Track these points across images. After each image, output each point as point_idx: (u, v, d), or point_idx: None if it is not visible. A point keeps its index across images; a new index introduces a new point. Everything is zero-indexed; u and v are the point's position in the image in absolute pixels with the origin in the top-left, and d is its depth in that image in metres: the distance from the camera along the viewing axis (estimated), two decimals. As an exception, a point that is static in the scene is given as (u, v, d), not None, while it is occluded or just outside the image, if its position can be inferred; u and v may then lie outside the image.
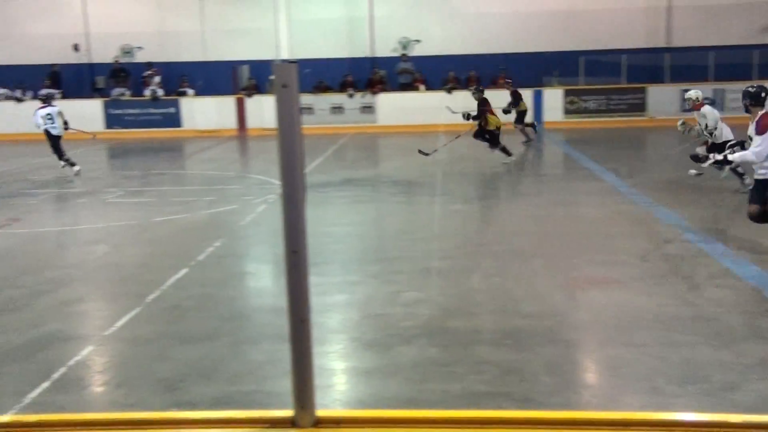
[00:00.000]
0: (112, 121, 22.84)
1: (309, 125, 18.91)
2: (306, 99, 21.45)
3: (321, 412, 1.94)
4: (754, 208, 7.45)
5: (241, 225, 9.74)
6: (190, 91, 23.34)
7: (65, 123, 14.42)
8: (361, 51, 23.78)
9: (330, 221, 9.65)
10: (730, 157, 7.85)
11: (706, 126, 10.88)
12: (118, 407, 4.44)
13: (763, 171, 7.32)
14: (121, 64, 23.91)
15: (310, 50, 22.24)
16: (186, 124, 22.77)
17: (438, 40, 23.16)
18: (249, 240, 9.29)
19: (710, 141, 10.88)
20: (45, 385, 4.73)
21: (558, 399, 4.36)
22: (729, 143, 9.91)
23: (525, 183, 13.25)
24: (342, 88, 22.98)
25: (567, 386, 4.60)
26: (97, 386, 4.91)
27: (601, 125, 21.51)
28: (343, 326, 5.80)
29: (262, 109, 21.88)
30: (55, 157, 14.28)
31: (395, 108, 21.79)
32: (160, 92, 23.24)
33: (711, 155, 8.58)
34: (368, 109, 22.68)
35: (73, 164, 14.20)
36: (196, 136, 21.79)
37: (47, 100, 15.15)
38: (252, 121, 22.42)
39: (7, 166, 15.59)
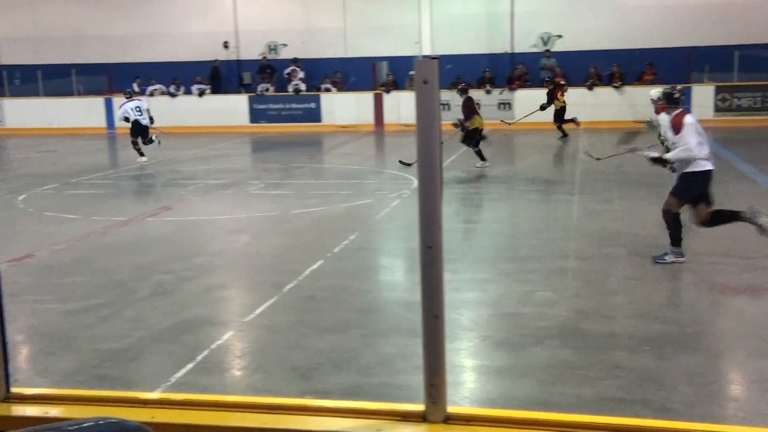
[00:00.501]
0: (256, 116, 23.76)
1: (445, 121, 18.91)
2: (443, 95, 21.46)
3: (452, 409, 1.93)
4: (705, 213, 7.05)
5: (375, 219, 9.88)
6: (333, 87, 23.90)
7: (151, 118, 16.28)
8: (501, 47, 23.51)
9: (463, 218, 9.62)
10: (665, 156, 7.26)
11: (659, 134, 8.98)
12: (255, 391, 4.62)
13: (703, 163, 6.99)
14: (267, 60, 24.82)
15: (450, 46, 22.22)
16: (325, 119, 23.35)
17: (579, 35, 22.54)
18: (383, 234, 9.42)
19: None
20: (189, 366, 4.99)
21: (699, 411, 4.15)
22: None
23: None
24: (479, 84, 22.81)
25: (709, 398, 4.37)
26: (237, 370, 5.13)
27: (756, 124, 20.24)
28: (474, 324, 5.77)
29: (400, 105, 22.09)
30: (140, 144, 16.12)
31: (534, 104, 21.38)
32: (303, 87, 23.96)
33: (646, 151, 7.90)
34: (505, 105, 22.41)
35: (142, 154, 15.93)
36: (334, 131, 22.30)
37: (131, 95, 17.05)
38: (389, 117, 22.69)
39: (162, 157, 16.53)
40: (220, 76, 24.77)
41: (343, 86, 23.97)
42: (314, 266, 7.38)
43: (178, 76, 24.48)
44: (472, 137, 14.04)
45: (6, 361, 2.05)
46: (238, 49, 25.46)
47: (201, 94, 24.18)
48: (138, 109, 16.18)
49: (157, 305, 6.39)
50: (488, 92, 22.53)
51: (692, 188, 7.10)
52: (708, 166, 7.07)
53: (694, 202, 7.12)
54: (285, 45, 24.73)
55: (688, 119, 7.08)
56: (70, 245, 8.73)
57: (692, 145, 6.94)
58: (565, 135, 18.47)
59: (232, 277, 7.59)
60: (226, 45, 25.29)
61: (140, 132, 16.15)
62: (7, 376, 2.04)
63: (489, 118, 22.17)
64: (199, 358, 5.14)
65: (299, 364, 4.99)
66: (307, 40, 24.53)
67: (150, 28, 25.18)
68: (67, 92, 24.99)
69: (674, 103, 7.32)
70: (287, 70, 24.30)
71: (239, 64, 25.37)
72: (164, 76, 24.65)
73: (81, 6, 25.67)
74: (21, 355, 5.41)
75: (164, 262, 7.84)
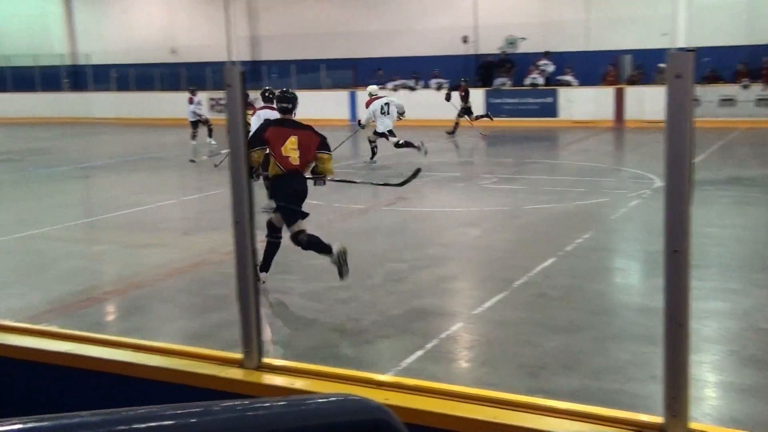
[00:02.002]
0: (491, 110, 23.80)
1: (695, 118, 17.69)
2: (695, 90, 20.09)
3: (695, 425, 1.81)
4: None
5: (612, 218, 9.51)
6: (574, 81, 23.30)
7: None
8: (764, 37, 21.52)
9: (711, 221, 8.96)
10: None
11: None
12: (481, 384, 4.64)
13: None
14: (506, 54, 24.75)
15: (703, 37, 20.74)
16: (562, 114, 22.82)
17: None
18: (620, 234, 9.04)
19: None
20: (419, 353, 5.13)
21: None
22: None
23: None
24: (735, 78, 21.08)
25: None
26: (464, 361, 5.19)
27: None
28: (720, 336, 5.36)
29: (643, 101, 21.02)
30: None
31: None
32: (541, 81, 23.60)
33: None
34: (766, 101, 20.51)
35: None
36: (571, 127, 21.74)
37: (195, 92, 18.51)
38: (630, 113, 21.69)
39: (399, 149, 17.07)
40: (493, 73, 24.80)
41: (583, 80, 23.27)
42: (545, 264, 7.26)
43: (418, 70, 25.17)
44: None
45: (259, 334, 2.23)
46: (476, 44, 25.63)
47: (439, 87, 24.66)
48: (199, 103, 18.01)
49: (390, 292, 6.63)
50: (745, 87, 20.76)
51: None
52: None
53: None
54: (524, 39, 24.49)
55: None
56: (312, 230, 9.30)
57: None
58: None
59: (462, 269, 7.68)
60: (465, 39, 25.57)
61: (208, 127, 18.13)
62: (259, 347, 2.22)
63: (746, 115, 20.48)
64: (429, 346, 5.26)
65: (526, 362, 4.94)
66: (547, 33, 24.10)
67: (393, 23, 26.13)
68: (315, 86, 26.65)
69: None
70: (541, 62, 23.90)
71: (477, 58, 25.54)
72: (405, 70, 25.47)
73: (331, 4, 27.26)
74: (267, 328, 5.87)
75: (398, 251, 8.10)
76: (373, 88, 15.86)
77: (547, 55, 23.92)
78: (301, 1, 27.69)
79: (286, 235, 6.69)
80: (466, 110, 19.87)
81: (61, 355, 2.34)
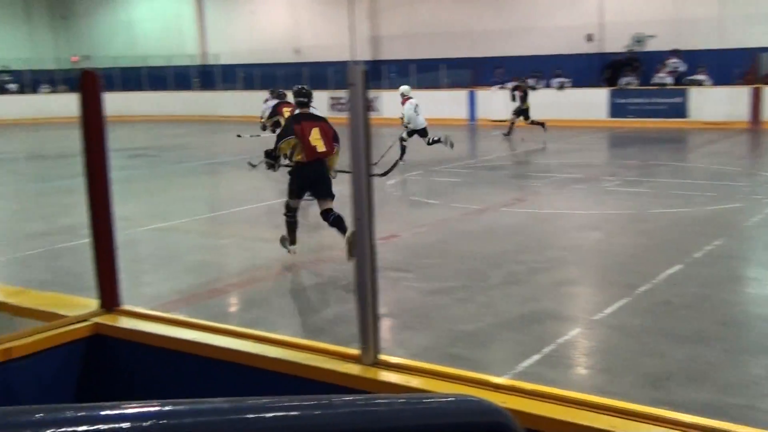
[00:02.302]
0: (616, 111, 23.08)
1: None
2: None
3: None
4: None
5: (745, 225, 9.01)
6: (707, 80, 22.24)
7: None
8: None
9: None
10: None
11: None
12: (600, 392, 4.49)
13: None
14: (632, 53, 23.93)
15: None
16: (692, 114, 21.84)
17: None
18: (754, 242, 8.55)
19: None
20: (536, 357, 5.03)
21: None
22: None
23: None
24: None
25: None
26: (582, 368, 5.05)
27: None
28: None
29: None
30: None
31: None
32: (669, 80, 22.67)
33: None
34: None
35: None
36: (701, 128, 20.77)
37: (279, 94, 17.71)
38: (768, 113, 20.51)
39: (519, 149, 16.87)
40: (620, 71, 24.10)
41: (717, 80, 22.15)
42: (671, 270, 6.96)
43: (540, 69, 24.74)
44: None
45: (376, 331, 2.24)
46: (602, 42, 24.92)
47: (561, 87, 24.14)
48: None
49: (507, 293, 6.54)
50: None
51: None
52: None
53: None
54: (653, 36, 23.59)
55: None
56: (431, 229, 9.33)
57: None
58: None
59: (582, 273, 7.48)
60: (589, 38, 24.91)
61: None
62: (376, 344, 2.23)
63: None
64: (546, 350, 5.15)
65: (650, 371, 4.75)
66: (677, 30, 23.12)
67: (514, 22, 25.78)
68: (434, 85, 26.66)
69: None
70: (671, 61, 22.98)
71: (602, 57, 24.83)
72: (526, 69, 25.10)
73: (452, 4, 27.19)
74: (383, 326, 5.91)
75: (516, 252, 7.99)
76: (405, 88, 16.29)
77: (676, 53, 22.94)
78: (421, 0, 27.78)
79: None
80: (522, 111, 19.51)
81: (188, 343, 2.43)
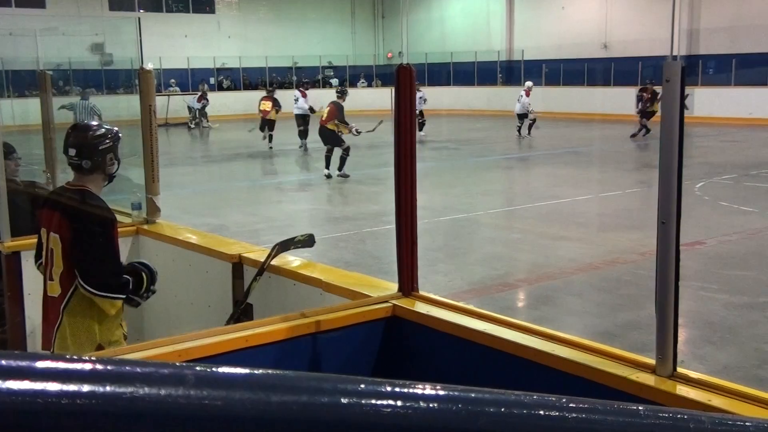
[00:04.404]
0: None
1: None
2: None
3: None
4: None
5: None
6: None
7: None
8: None
9: None
10: None
11: None
12: None
13: None
14: None
15: None
16: None
17: None
18: None
19: None
20: None
21: None
22: None
23: None
24: None
25: None
26: None
27: None
28: None
29: None
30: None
31: None
32: None
33: None
34: None
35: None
36: None
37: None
38: None
39: None
40: None
41: None
42: None
43: None
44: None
45: (675, 342, 2.10)
46: None
47: None
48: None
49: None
50: None
51: None
52: None
53: None
54: None
55: None
56: (742, 238, 8.54)
57: None
58: None
59: None
60: None
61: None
62: (675, 355, 2.09)
63: None
64: None
65: None
66: None
67: None
68: (760, 81, 24.29)
69: None
70: None
71: None
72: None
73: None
74: (681, 337, 5.55)
75: None
76: (530, 84, 20.70)
77: None
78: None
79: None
80: (649, 114, 18.55)
81: (478, 333, 2.48)
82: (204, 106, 26.05)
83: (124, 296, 3.16)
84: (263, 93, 21.00)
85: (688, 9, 27.01)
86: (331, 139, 13.81)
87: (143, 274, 3.27)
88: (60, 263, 3.12)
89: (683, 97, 2.03)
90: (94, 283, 3.08)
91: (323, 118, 14.02)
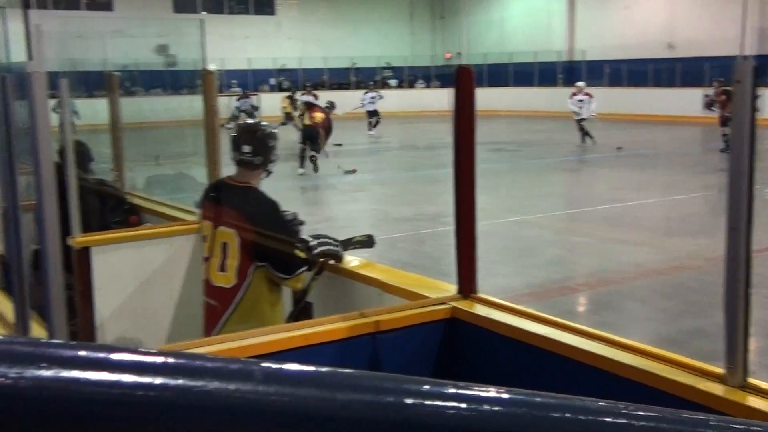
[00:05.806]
0: None
1: None
2: None
3: None
4: None
5: None
6: None
7: None
8: None
9: None
10: None
11: None
12: None
13: None
14: None
15: None
16: None
17: None
18: None
19: None
20: None
21: None
22: None
23: None
24: None
25: None
26: None
27: None
28: None
29: None
30: None
31: None
32: None
33: None
34: None
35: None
36: None
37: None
38: None
39: None
40: None
41: None
42: None
43: None
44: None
45: (746, 351, 2.05)
46: None
47: None
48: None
49: None
50: None
51: None
52: None
53: None
54: None
55: None
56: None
57: None
58: None
59: None
60: None
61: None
62: (745, 365, 2.03)
63: None
64: None
65: None
66: None
67: None
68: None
69: None
70: None
71: None
72: None
73: None
74: (750, 347, 5.38)
75: None
76: (581, 84, 20.46)
77: None
78: None
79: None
80: (727, 119, 15.99)
81: (538, 337, 2.45)
82: (245, 109, 25.74)
83: (306, 266, 3.36)
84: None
85: (759, 6, 26.21)
86: (314, 142, 14.61)
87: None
88: (236, 255, 3.33)
89: (755, 98, 1.97)
90: (287, 270, 3.34)
91: (315, 122, 14.40)
